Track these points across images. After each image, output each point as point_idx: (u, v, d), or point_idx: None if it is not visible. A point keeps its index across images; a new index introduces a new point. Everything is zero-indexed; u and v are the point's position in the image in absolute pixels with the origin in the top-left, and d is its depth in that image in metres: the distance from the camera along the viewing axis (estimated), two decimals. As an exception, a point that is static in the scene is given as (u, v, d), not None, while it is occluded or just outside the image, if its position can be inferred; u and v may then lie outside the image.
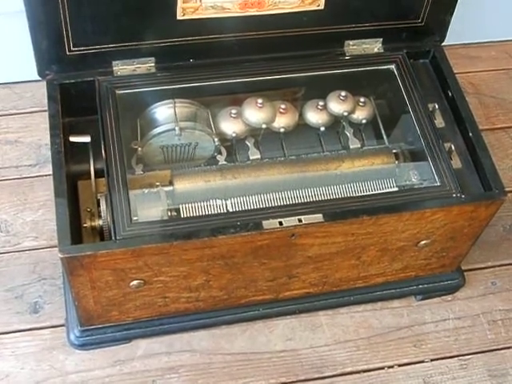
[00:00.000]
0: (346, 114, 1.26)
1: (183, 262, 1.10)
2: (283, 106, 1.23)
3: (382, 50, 1.29)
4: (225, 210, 1.15)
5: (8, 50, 1.47)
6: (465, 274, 1.40)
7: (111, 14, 1.13)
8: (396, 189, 1.22)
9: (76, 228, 1.14)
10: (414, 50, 1.30)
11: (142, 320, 1.24)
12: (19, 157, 1.48)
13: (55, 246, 1.07)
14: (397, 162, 1.24)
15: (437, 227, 1.17)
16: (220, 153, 1.23)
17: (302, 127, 1.26)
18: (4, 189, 1.43)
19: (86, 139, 1.19)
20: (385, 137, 1.27)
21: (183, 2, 1.14)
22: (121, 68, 1.21)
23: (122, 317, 1.21)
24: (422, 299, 1.37)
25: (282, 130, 1.23)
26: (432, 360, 1.32)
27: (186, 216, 1.14)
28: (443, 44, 1.32)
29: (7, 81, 1.56)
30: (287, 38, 1.23)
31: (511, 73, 1.73)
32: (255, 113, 1.22)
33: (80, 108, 1.20)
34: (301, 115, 1.26)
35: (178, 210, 1.15)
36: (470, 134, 1.21)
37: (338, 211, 1.11)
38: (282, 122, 1.23)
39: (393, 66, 1.27)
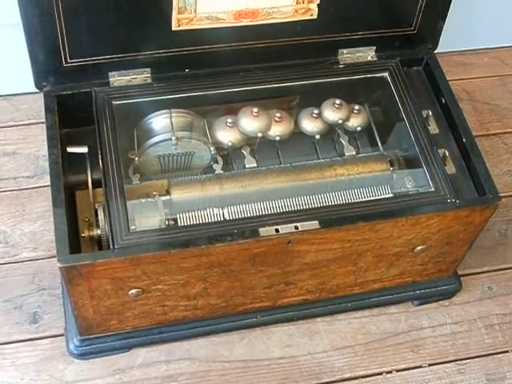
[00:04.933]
0: (340, 121, 1.27)
1: (181, 270, 1.10)
2: (278, 115, 1.24)
3: (376, 58, 1.30)
4: (222, 218, 1.16)
5: (5, 62, 1.48)
6: (461, 278, 1.40)
7: (107, 26, 1.14)
8: (391, 195, 1.22)
9: (74, 238, 1.14)
10: (408, 58, 1.31)
11: (141, 329, 1.24)
12: (17, 168, 1.48)
13: (54, 257, 1.08)
14: (392, 168, 1.25)
15: (432, 232, 1.18)
16: (216, 162, 1.23)
17: (297, 135, 1.27)
18: (2, 200, 1.44)
19: (84, 150, 1.20)
20: (379, 144, 1.28)
21: (178, 13, 1.15)
22: (117, 79, 1.22)
23: (121, 326, 1.22)
24: (419, 304, 1.38)
25: (277, 138, 1.24)
26: (430, 365, 1.32)
27: (183, 224, 1.15)
28: (437, 51, 1.33)
29: (4, 93, 1.57)
30: (281, 47, 1.24)
31: (505, 79, 1.74)
32: (251, 122, 1.23)
33: (77, 119, 1.21)
34: (296, 123, 1.27)
35: (175, 219, 1.16)
36: (464, 140, 1.22)
37: (334, 218, 1.12)
38: (278, 130, 1.24)
39: (386, 74, 1.28)
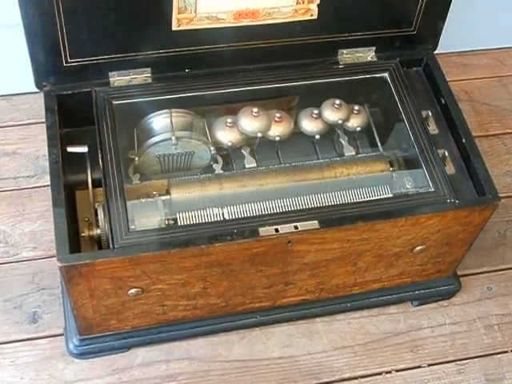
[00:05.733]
0: (340, 122, 1.27)
1: (181, 270, 1.11)
2: (278, 115, 1.24)
3: (376, 59, 1.30)
4: (221, 218, 1.16)
5: (5, 62, 1.48)
6: (461, 279, 1.41)
7: (107, 26, 1.15)
8: (391, 195, 1.23)
9: (74, 237, 1.14)
10: (407, 58, 1.31)
11: (141, 328, 1.24)
12: (17, 168, 1.49)
13: (53, 256, 1.08)
14: (391, 168, 1.25)
15: (432, 233, 1.18)
16: (216, 161, 1.24)
17: (297, 136, 1.27)
18: (2, 200, 1.44)
19: (84, 149, 1.20)
20: (379, 144, 1.28)
21: (178, 13, 1.15)
22: (117, 79, 1.22)
23: (121, 325, 1.22)
24: (419, 305, 1.38)
25: (277, 138, 1.25)
26: (429, 365, 1.33)
27: (183, 224, 1.15)
28: (436, 52, 1.33)
29: (4, 93, 1.57)
30: (281, 47, 1.24)
31: (504, 80, 1.74)
32: (251, 122, 1.23)
33: (77, 119, 1.21)
34: (296, 124, 1.27)
35: (175, 219, 1.16)
36: (464, 140, 1.22)
37: (334, 218, 1.12)
38: (278, 130, 1.25)
39: (386, 74, 1.28)
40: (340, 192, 1.21)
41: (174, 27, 1.17)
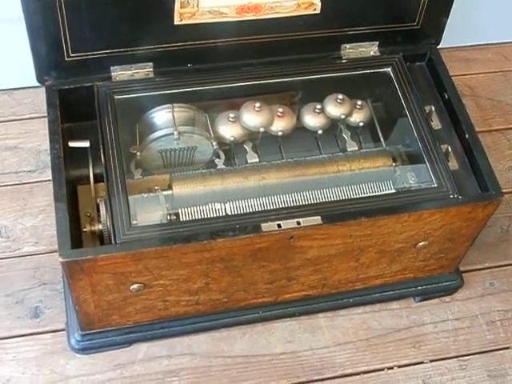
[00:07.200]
0: (343, 117, 1.26)
1: (183, 266, 1.10)
2: (281, 110, 1.24)
3: (379, 53, 1.30)
4: (223, 213, 1.16)
5: (7, 56, 1.48)
6: (463, 275, 1.40)
7: (109, 20, 1.14)
8: (393, 191, 1.22)
9: (76, 233, 1.14)
10: (411, 53, 1.31)
11: (143, 324, 1.24)
12: (19, 163, 1.48)
13: (55, 251, 1.08)
14: (394, 164, 1.25)
15: (434, 228, 1.18)
16: (218, 157, 1.23)
17: (299, 131, 1.27)
18: (4, 194, 1.44)
19: (85, 144, 1.20)
20: (382, 139, 1.28)
21: (180, 7, 1.15)
22: (119, 73, 1.21)
23: (123, 321, 1.22)
24: (421, 300, 1.38)
25: (279, 133, 1.24)
26: (431, 361, 1.32)
27: (185, 219, 1.15)
28: (439, 47, 1.33)
29: (6, 87, 1.57)
30: (284, 42, 1.24)
31: (508, 75, 1.73)
32: (253, 117, 1.22)
33: (79, 113, 1.20)
34: (298, 119, 1.27)
35: (177, 214, 1.16)
36: (467, 136, 1.21)
37: (336, 213, 1.11)
38: (280, 125, 1.24)
39: (389, 69, 1.28)
40: (343, 187, 1.21)
41: (176, 21, 1.16)
